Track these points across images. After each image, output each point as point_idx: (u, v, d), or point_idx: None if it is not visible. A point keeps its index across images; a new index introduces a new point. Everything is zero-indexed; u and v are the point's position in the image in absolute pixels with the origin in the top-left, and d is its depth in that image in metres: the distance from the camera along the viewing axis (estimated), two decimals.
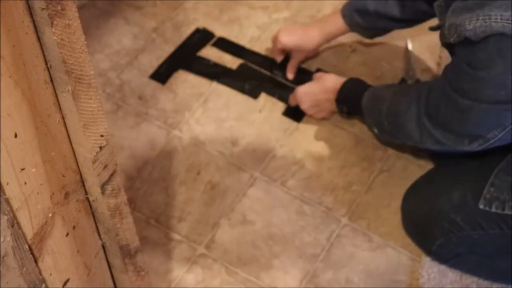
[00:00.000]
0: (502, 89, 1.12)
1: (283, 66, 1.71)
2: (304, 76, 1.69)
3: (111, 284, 1.11)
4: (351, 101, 1.52)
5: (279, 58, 1.71)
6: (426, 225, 1.39)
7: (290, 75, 1.70)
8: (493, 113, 1.18)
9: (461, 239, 1.33)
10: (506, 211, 1.27)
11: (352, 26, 1.58)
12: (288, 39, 1.64)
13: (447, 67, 1.26)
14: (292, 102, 1.63)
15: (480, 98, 1.17)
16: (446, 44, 1.22)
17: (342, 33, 1.62)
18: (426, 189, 1.42)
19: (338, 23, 1.59)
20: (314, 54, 1.72)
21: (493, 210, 1.28)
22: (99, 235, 1.00)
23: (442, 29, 1.21)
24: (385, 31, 1.61)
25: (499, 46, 1.09)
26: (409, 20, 1.54)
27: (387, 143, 1.59)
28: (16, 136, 0.73)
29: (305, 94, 1.59)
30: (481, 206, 1.29)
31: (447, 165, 1.44)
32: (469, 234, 1.32)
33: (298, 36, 1.64)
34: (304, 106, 1.60)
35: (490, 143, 1.22)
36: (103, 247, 1.02)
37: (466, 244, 1.34)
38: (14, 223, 0.77)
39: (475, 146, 1.25)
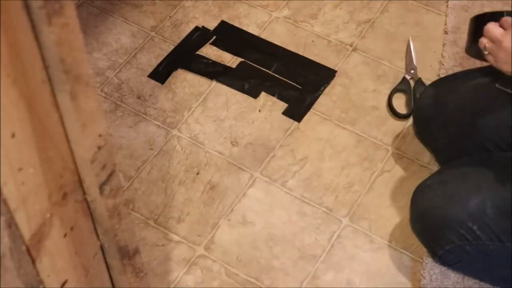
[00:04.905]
0: None
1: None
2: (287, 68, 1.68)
3: (109, 285, 1.10)
4: None
5: None
6: (439, 229, 1.32)
7: None
8: None
9: (476, 248, 1.28)
10: None
11: None
12: None
13: None
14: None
15: None
16: None
17: None
18: (440, 192, 1.34)
19: None
20: None
21: None
22: (97, 236, 0.99)
23: None
24: None
25: None
26: None
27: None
28: (13, 136, 0.72)
29: None
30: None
31: (462, 168, 1.36)
32: (486, 244, 1.27)
33: None
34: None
35: None
36: (102, 248, 1.02)
37: (479, 253, 1.29)
38: (12, 224, 0.77)
39: None
